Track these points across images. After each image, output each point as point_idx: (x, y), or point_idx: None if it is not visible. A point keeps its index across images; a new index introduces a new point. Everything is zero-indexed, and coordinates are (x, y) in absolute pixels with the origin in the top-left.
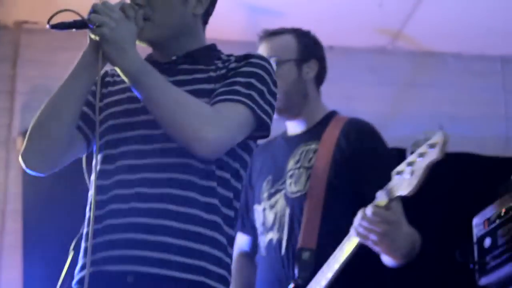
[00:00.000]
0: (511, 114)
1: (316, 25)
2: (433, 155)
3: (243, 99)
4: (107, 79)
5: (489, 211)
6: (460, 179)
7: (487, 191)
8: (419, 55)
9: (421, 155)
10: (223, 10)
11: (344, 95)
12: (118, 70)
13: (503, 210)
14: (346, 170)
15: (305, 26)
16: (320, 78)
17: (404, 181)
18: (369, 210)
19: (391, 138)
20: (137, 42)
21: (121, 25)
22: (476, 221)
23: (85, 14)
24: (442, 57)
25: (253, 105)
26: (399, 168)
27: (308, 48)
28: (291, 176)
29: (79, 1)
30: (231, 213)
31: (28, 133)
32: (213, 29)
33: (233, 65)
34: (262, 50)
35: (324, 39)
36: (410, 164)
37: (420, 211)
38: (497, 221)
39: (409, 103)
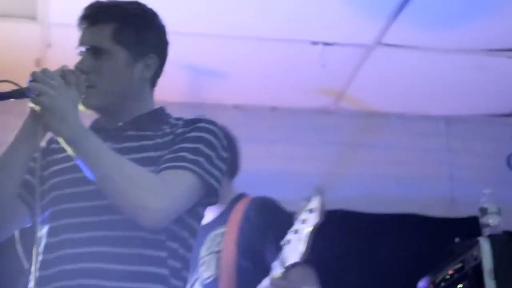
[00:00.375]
0: (456, 175)
1: (259, 86)
2: (313, 219)
3: (189, 165)
4: (52, 146)
5: (435, 274)
6: (405, 240)
7: (433, 252)
8: (363, 115)
9: (304, 221)
10: (166, 71)
11: (288, 156)
12: (60, 140)
13: (450, 272)
14: (250, 248)
15: (247, 87)
16: (233, 171)
17: (293, 249)
18: (266, 283)
19: (336, 199)
20: (82, 109)
21: (61, 93)
22: (422, 284)
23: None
24: (386, 117)
25: (200, 171)
26: (287, 237)
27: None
28: (203, 263)
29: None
30: (180, 284)
31: None
32: (156, 90)
33: (180, 130)
34: None
35: (268, 100)
36: (296, 231)
37: (364, 273)
38: (443, 284)
39: (353, 163)
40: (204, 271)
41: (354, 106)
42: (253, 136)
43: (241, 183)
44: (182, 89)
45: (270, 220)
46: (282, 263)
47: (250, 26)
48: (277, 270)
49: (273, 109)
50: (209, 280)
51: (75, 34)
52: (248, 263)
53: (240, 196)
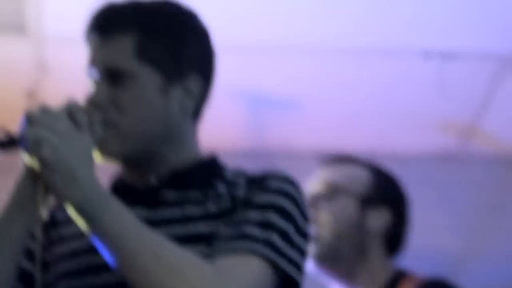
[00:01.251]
0: None
1: (350, 123)
2: None
3: (257, 247)
4: (59, 216)
5: None
6: None
7: None
8: (503, 159)
9: None
10: (212, 103)
11: None
12: (68, 206)
13: None
14: None
15: (333, 125)
16: (392, 242)
17: None
18: None
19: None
20: (99, 161)
21: (68, 140)
22: None
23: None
24: None
25: (274, 255)
26: None
27: (382, 189)
28: None
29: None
30: None
31: None
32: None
33: (241, 192)
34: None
35: (363, 143)
36: None
37: None
38: None
39: (495, 233)
40: None
41: (489, 146)
42: None
43: None
44: (237, 129)
45: None
46: None
47: (335, 35)
48: None
49: (372, 155)
50: None
51: (81, 51)
52: None
53: (399, 275)
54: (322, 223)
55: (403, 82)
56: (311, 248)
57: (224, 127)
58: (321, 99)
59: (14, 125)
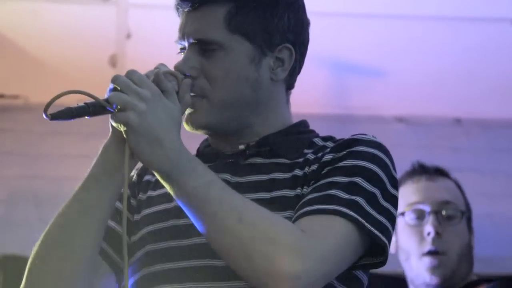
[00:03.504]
0: None
1: (435, 88)
2: None
3: (343, 209)
4: (146, 177)
5: None
6: None
7: None
8: None
9: None
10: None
11: (483, 194)
12: (155, 172)
13: None
14: None
15: (418, 91)
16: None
17: None
18: None
19: None
20: (187, 129)
21: (155, 106)
22: None
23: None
24: None
25: (360, 217)
26: None
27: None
28: None
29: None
30: None
31: (26, 271)
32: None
33: (328, 157)
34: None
35: (449, 109)
36: None
37: None
38: None
39: None
40: None
41: None
42: (429, 162)
43: None
44: (320, 95)
45: None
46: None
47: (421, 2)
48: None
49: (457, 121)
50: None
51: (164, 17)
52: None
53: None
54: (448, 243)
55: (489, 49)
56: (434, 264)
57: (309, 92)
58: (406, 66)
59: (98, 91)
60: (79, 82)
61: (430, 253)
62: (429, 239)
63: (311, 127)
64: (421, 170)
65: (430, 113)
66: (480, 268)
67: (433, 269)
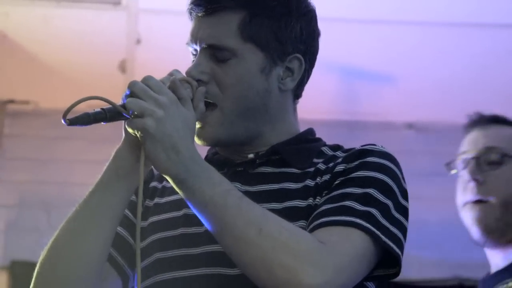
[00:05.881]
0: None
1: (446, 94)
2: None
3: (359, 221)
4: (153, 184)
5: None
6: None
7: None
8: None
9: None
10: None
11: None
12: (168, 178)
13: None
14: None
15: (428, 96)
16: None
17: None
18: None
19: None
20: (199, 143)
21: (172, 113)
22: None
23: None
24: None
25: (375, 230)
26: None
27: None
28: None
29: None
30: None
31: (34, 276)
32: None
33: (340, 167)
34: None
35: (458, 115)
36: None
37: None
38: None
39: None
40: None
41: None
42: (439, 168)
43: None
44: (330, 102)
45: None
46: None
47: (430, 9)
48: None
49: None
50: None
51: (174, 23)
52: None
53: None
54: (490, 190)
55: (498, 55)
56: (475, 215)
57: (318, 99)
58: (415, 72)
59: (108, 96)
60: (89, 88)
61: (469, 202)
62: (469, 187)
63: (320, 133)
64: (475, 121)
65: (440, 119)
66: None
67: (474, 220)
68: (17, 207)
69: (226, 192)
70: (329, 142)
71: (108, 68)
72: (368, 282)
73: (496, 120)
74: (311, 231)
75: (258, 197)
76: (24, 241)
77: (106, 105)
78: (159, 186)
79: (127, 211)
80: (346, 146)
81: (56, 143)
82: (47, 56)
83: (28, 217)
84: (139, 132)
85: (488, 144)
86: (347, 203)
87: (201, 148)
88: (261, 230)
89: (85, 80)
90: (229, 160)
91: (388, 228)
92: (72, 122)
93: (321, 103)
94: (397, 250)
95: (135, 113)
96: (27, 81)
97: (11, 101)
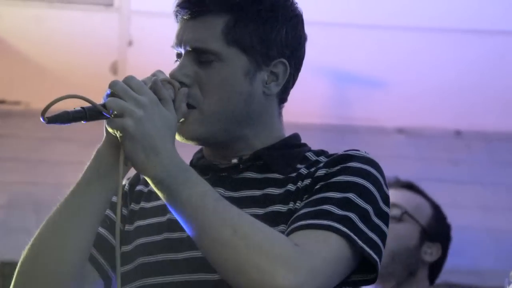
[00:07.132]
0: None
1: (435, 100)
2: None
3: (336, 225)
4: (139, 187)
5: None
6: None
7: None
8: None
9: None
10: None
11: (481, 206)
12: (147, 178)
13: None
14: None
15: (418, 102)
16: (434, 272)
17: None
18: None
19: None
20: (179, 139)
21: (152, 113)
22: None
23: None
24: None
25: (352, 234)
26: None
27: (440, 227)
28: None
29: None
30: None
31: (15, 274)
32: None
33: (322, 172)
34: None
35: (449, 121)
36: None
37: None
38: None
39: None
40: None
41: None
42: (429, 174)
43: None
44: (321, 106)
45: None
46: None
47: (422, 15)
48: None
49: (458, 133)
50: None
51: (167, 27)
52: None
53: None
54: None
55: (490, 61)
56: None
57: (309, 102)
58: (407, 77)
59: (99, 96)
60: (80, 89)
61: None
62: None
63: (311, 137)
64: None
65: (431, 125)
66: (479, 281)
67: None
68: (7, 208)
69: (203, 193)
70: (319, 146)
71: (100, 70)
72: (345, 287)
73: (410, 186)
74: (289, 234)
75: (242, 203)
76: (13, 242)
77: (87, 104)
78: (145, 190)
79: (110, 212)
80: (337, 150)
81: (47, 144)
82: (39, 57)
83: (18, 218)
84: (119, 132)
85: (395, 202)
86: (326, 207)
87: (188, 150)
88: (236, 231)
89: (76, 81)
90: (213, 165)
91: (365, 233)
92: (51, 120)
93: (312, 107)
94: (374, 255)
95: (115, 112)
96: (18, 81)
97: (2, 102)
